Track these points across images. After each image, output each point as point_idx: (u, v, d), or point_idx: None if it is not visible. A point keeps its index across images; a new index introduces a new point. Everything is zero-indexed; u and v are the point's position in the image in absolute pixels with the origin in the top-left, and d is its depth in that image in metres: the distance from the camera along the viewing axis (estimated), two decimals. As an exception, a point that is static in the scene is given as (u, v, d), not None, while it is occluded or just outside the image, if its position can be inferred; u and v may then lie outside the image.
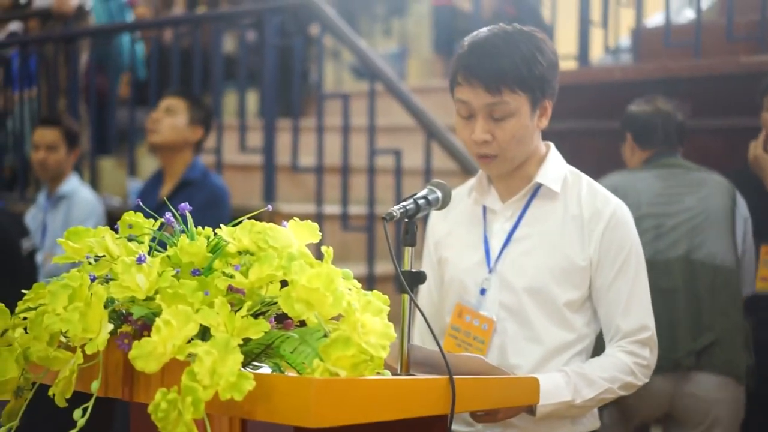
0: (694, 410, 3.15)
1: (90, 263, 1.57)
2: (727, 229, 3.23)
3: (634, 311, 2.09)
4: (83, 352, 1.45)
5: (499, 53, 2.02)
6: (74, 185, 4.59)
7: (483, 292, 2.14)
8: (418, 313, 1.66)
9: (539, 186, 2.15)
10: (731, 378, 3.13)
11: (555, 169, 2.16)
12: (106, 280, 1.53)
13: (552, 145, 2.20)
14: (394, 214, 1.71)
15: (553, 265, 2.09)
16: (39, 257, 4.41)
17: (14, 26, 6.04)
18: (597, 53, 5.32)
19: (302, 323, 1.49)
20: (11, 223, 4.15)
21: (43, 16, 5.67)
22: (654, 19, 5.55)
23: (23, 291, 1.58)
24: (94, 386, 1.46)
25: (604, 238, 2.09)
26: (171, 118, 4.09)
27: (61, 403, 1.50)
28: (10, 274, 4.05)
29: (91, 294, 1.46)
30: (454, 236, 2.22)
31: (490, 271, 2.14)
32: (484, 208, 2.20)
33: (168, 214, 1.59)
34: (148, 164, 5.27)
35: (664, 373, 3.04)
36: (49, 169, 4.54)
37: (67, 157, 4.58)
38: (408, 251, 1.71)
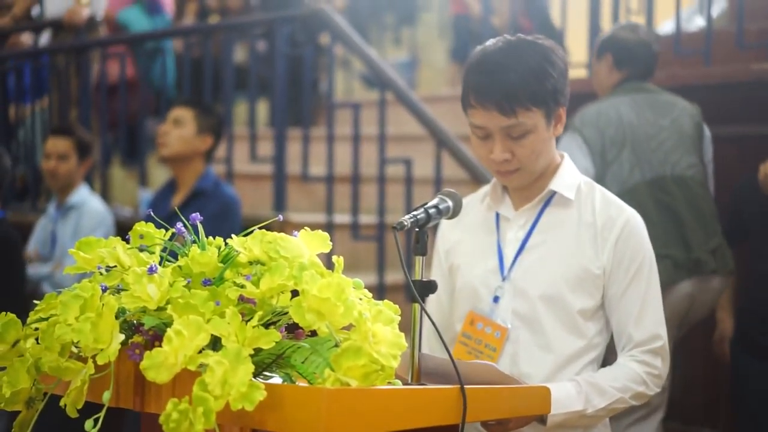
0: (707, 306, 3.54)
1: (101, 273, 1.57)
2: (696, 148, 3.58)
3: (646, 321, 2.08)
4: (94, 362, 1.45)
5: (507, 70, 2.00)
6: (84, 196, 4.60)
7: (496, 299, 2.14)
8: (426, 321, 1.66)
9: (553, 194, 2.15)
10: (731, 275, 3.56)
11: (569, 177, 2.16)
12: (118, 291, 1.54)
13: (566, 155, 2.20)
14: (405, 223, 1.70)
15: (567, 273, 2.09)
16: (46, 268, 4.42)
17: (26, 38, 6.06)
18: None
19: (313, 333, 1.49)
20: (12, 235, 4.16)
21: (55, 27, 5.69)
22: (664, 26, 5.54)
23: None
24: (106, 397, 1.46)
25: (617, 247, 2.09)
26: (179, 130, 4.10)
27: (72, 413, 1.50)
28: (12, 285, 4.07)
29: (103, 304, 1.46)
30: (467, 243, 2.22)
31: (504, 279, 2.13)
32: (497, 216, 2.19)
33: (179, 224, 1.59)
34: (160, 174, 5.28)
35: (689, 277, 3.41)
36: (59, 178, 4.55)
37: (78, 167, 4.58)
38: (419, 260, 1.71)
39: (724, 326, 3.71)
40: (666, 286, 3.00)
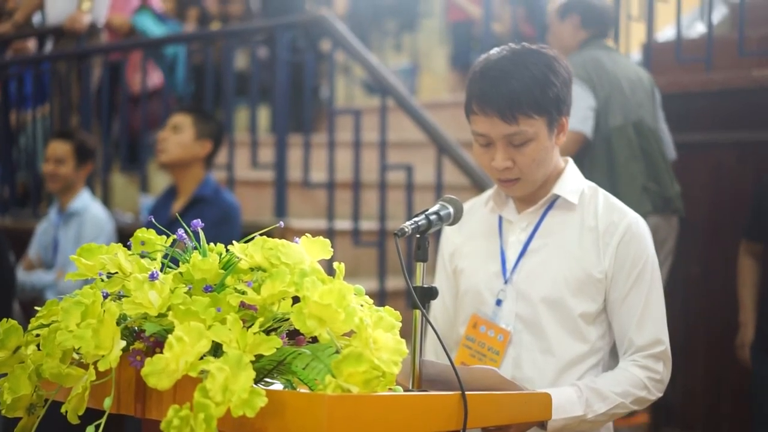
0: (661, 242, 3.74)
1: (103, 280, 1.57)
2: (652, 103, 3.88)
3: (648, 325, 2.08)
4: (96, 368, 1.45)
5: (510, 78, 2.01)
6: (85, 201, 4.60)
7: (499, 303, 2.14)
8: (431, 326, 1.66)
9: (556, 198, 2.15)
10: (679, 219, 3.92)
11: (573, 182, 2.16)
12: (119, 297, 1.54)
13: (570, 160, 2.20)
14: (406, 230, 1.71)
15: (569, 276, 2.09)
16: (50, 275, 4.42)
17: (32, 44, 6.07)
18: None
19: (314, 339, 1.49)
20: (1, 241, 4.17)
21: (56, 33, 5.70)
22: (665, 33, 5.55)
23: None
24: (107, 403, 1.46)
25: (619, 251, 2.09)
26: (177, 136, 4.11)
27: (73, 420, 1.50)
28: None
29: (104, 311, 1.46)
30: (470, 246, 2.22)
31: (506, 282, 2.14)
32: (500, 219, 2.20)
33: (180, 231, 1.60)
34: (160, 180, 5.28)
35: (657, 213, 3.75)
36: (57, 181, 4.56)
37: (77, 172, 4.59)
38: (420, 267, 1.71)
39: (746, 330, 3.66)
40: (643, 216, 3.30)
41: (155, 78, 5.96)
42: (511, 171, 2.06)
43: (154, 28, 6.26)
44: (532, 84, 2.01)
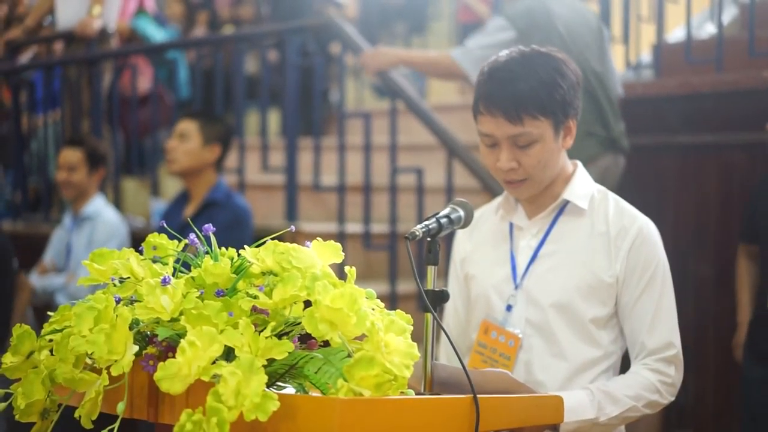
0: (614, 182, 3.81)
1: (115, 285, 1.58)
2: (599, 43, 3.90)
3: (659, 329, 2.08)
4: (109, 373, 1.46)
5: (517, 79, 2.02)
6: (98, 206, 4.63)
7: (509, 308, 2.14)
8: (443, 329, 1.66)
9: (566, 203, 2.15)
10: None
11: (582, 186, 2.16)
12: (131, 302, 1.54)
13: (579, 164, 2.20)
14: (417, 233, 1.71)
15: (580, 281, 2.09)
16: (60, 278, 4.44)
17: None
18: (618, 69, 5.30)
19: (326, 343, 1.50)
20: (4, 243, 4.20)
21: (67, 38, 5.72)
22: (675, 34, 5.54)
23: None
24: (120, 408, 1.47)
25: (631, 256, 2.09)
26: (185, 144, 4.11)
27: (87, 424, 1.50)
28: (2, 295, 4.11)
29: (117, 316, 1.47)
30: (481, 253, 2.23)
31: (516, 288, 2.14)
32: (511, 225, 2.20)
33: (192, 235, 1.60)
34: (172, 185, 5.30)
35: (606, 153, 3.81)
36: (71, 188, 4.59)
37: (89, 178, 4.61)
38: (431, 270, 1.71)
39: (742, 331, 3.70)
40: (591, 160, 3.59)
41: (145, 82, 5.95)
42: (516, 172, 2.07)
43: (155, 33, 6.27)
44: (538, 86, 2.02)
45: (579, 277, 2.09)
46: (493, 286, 2.17)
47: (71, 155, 4.60)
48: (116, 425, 1.44)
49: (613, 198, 2.17)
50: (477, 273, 2.21)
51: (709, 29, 5.47)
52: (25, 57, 6.34)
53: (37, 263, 4.69)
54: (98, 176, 4.67)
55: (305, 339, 1.53)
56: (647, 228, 2.12)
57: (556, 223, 2.15)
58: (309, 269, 1.50)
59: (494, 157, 2.07)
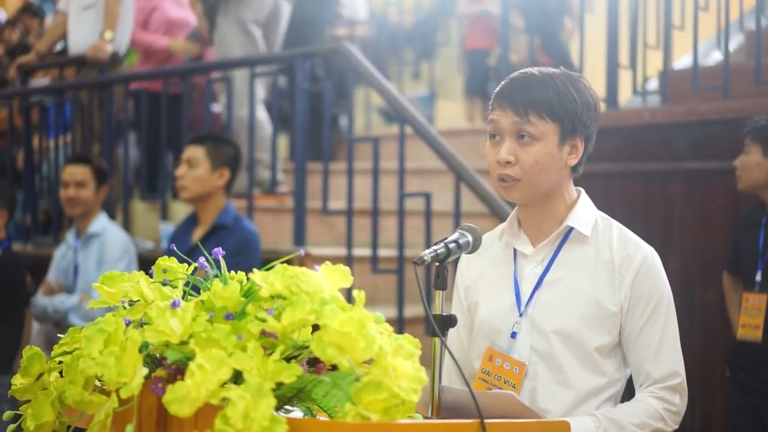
0: None
1: (125, 307, 1.59)
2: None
3: (664, 357, 2.08)
4: (118, 396, 1.47)
5: (533, 83, 2.07)
6: (104, 224, 4.62)
7: (514, 335, 2.14)
8: (446, 356, 1.67)
9: (570, 230, 2.15)
10: None
11: (586, 213, 2.16)
12: (141, 325, 1.55)
13: (583, 191, 2.21)
14: (426, 258, 1.72)
15: (584, 310, 2.09)
16: (73, 299, 4.44)
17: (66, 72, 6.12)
18: (625, 95, 5.32)
19: (334, 367, 1.51)
20: (18, 265, 4.22)
21: (78, 63, 5.76)
22: (682, 61, 5.56)
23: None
24: (129, 430, 1.47)
25: (635, 285, 2.09)
26: (193, 171, 4.11)
27: (96, 446, 1.51)
28: (14, 314, 4.13)
29: (126, 338, 1.48)
30: (485, 280, 2.22)
31: (521, 315, 2.13)
32: (515, 252, 2.20)
33: (201, 259, 1.61)
34: (181, 208, 5.31)
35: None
36: (79, 205, 4.58)
37: (96, 194, 4.62)
38: (439, 295, 1.72)
39: None
40: None
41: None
42: (512, 168, 2.07)
43: None
44: (552, 91, 2.06)
45: (584, 305, 2.09)
46: (497, 313, 2.16)
47: (79, 171, 4.59)
48: (125, 447, 1.45)
49: (617, 226, 2.17)
50: (481, 301, 2.20)
51: (715, 56, 5.49)
52: (37, 81, 6.38)
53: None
54: (103, 193, 4.67)
55: (313, 363, 1.53)
56: (651, 257, 2.13)
57: (561, 250, 2.15)
58: (318, 293, 1.51)
59: (496, 151, 2.10)
